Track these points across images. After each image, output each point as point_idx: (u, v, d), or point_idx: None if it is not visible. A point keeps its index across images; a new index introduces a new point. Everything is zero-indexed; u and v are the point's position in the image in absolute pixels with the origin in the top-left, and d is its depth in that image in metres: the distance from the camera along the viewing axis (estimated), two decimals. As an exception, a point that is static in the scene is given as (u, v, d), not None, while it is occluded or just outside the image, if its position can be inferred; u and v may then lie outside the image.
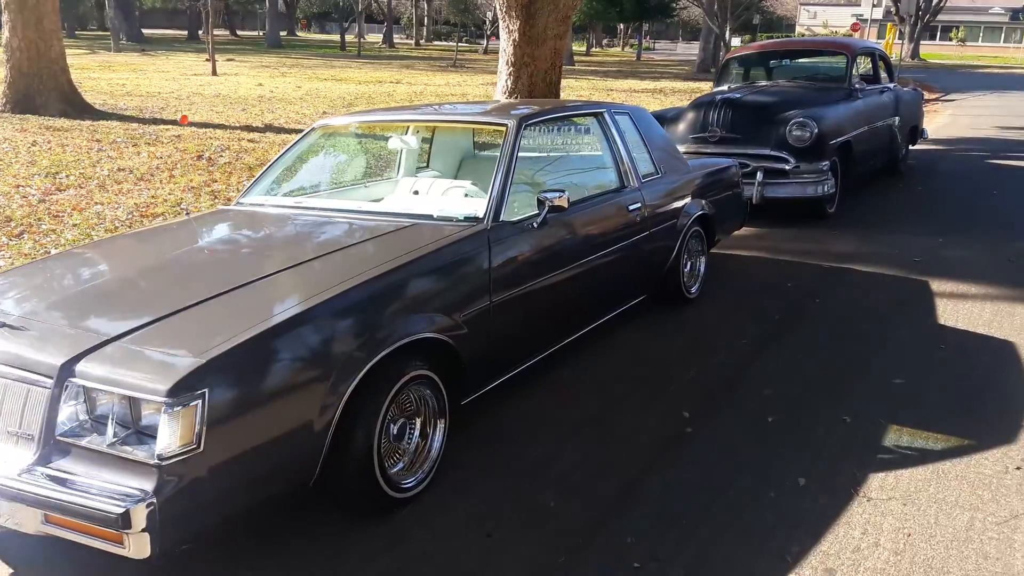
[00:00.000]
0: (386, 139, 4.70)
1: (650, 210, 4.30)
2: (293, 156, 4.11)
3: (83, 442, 2.15)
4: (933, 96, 20.19)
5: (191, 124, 11.30)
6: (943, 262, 5.80)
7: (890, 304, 4.95)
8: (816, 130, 6.59)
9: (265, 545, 2.57)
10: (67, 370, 2.19)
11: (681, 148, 6.17)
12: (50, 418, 2.18)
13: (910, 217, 7.31)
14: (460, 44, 40.06)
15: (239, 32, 56.73)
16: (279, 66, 26.34)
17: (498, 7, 7.98)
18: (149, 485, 2.04)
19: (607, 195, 4.11)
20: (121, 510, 1.98)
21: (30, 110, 11.45)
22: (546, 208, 3.34)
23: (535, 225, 3.37)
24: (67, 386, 2.18)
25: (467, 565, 2.49)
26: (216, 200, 6.84)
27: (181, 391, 2.07)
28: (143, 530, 2.01)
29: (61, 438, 2.17)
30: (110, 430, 2.13)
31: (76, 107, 11.93)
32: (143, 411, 2.12)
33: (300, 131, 4.35)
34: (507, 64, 8.00)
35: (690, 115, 7.19)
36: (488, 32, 40.95)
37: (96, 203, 6.61)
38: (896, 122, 8.58)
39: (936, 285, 5.26)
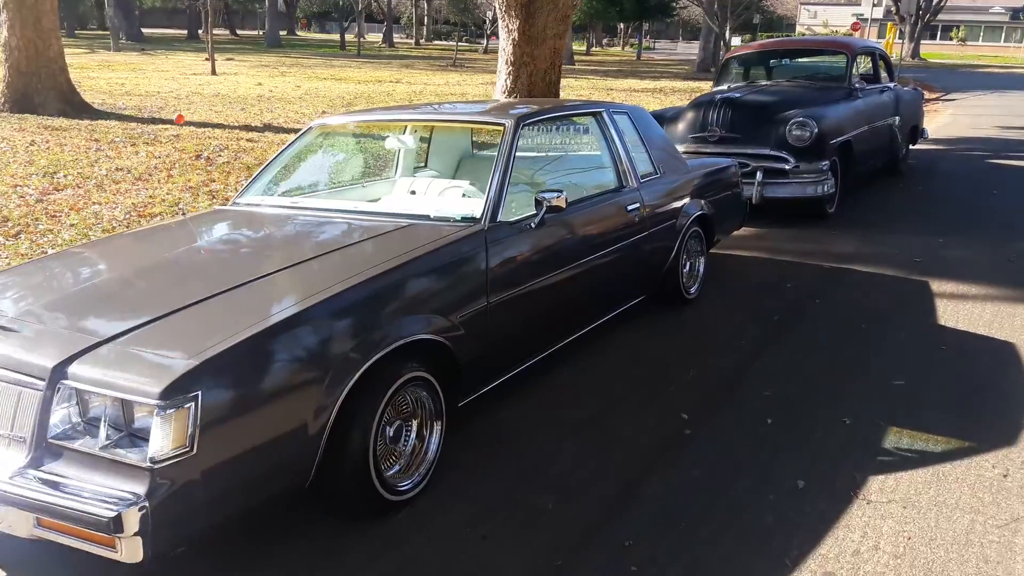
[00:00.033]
0: (383, 139, 4.68)
1: (649, 210, 4.28)
2: (290, 156, 4.09)
3: (75, 445, 2.13)
4: (933, 96, 20.17)
5: (190, 124, 11.28)
6: (943, 262, 5.78)
7: (890, 305, 4.93)
8: (816, 130, 6.57)
9: (258, 547, 2.55)
10: (59, 372, 2.17)
11: (680, 148, 6.15)
12: (42, 420, 2.16)
13: (910, 217, 7.29)
14: (460, 44, 40.03)
15: (239, 31, 56.72)
16: (278, 65, 26.32)
17: (497, 6, 7.96)
18: (141, 488, 2.02)
19: (605, 195, 4.09)
20: (113, 514, 1.96)
21: (28, 109, 11.43)
22: (544, 208, 3.32)
23: (533, 225, 3.34)
24: (59, 388, 2.16)
25: (463, 568, 2.47)
26: (214, 200, 6.82)
27: (174, 393, 2.05)
28: (135, 534, 1.99)
29: (53, 441, 2.15)
30: (102, 433, 2.11)
31: (74, 106, 11.91)
32: (136, 413, 2.10)
33: (299, 131, 4.33)
34: (506, 63, 7.99)
35: (689, 115, 7.17)
36: (488, 32, 40.92)
37: (94, 203, 6.60)
38: (896, 122, 8.56)
39: (936, 285, 5.24)
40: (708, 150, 6.74)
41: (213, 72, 21.58)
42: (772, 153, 6.66)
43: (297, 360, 2.37)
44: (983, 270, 5.57)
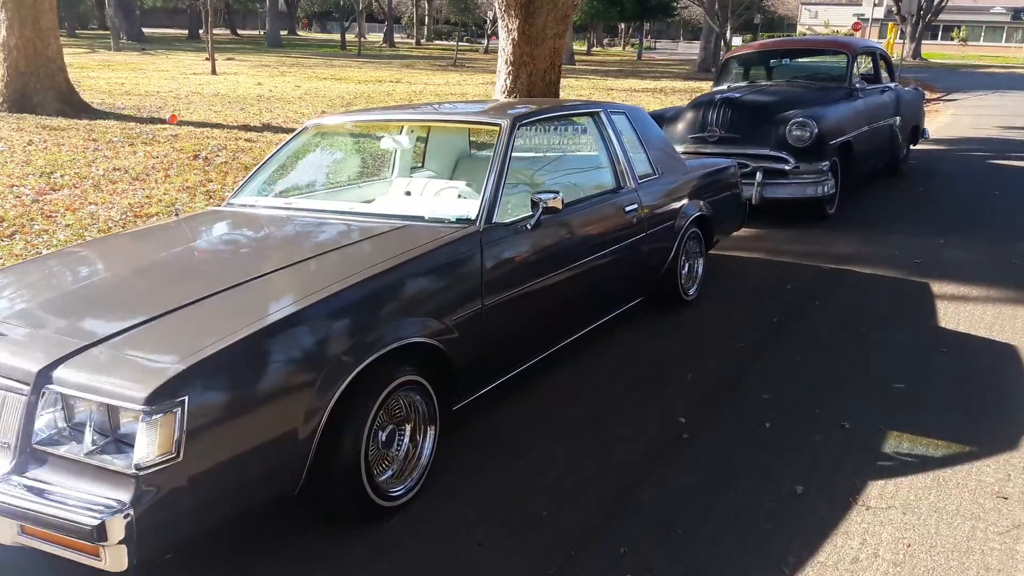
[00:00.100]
0: (379, 139, 4.65)
1: (647, 211, 4.24)
2: (285, 156, 4.05)
3: (60, 451, 2.09)
4: (934, 96, 20.13)
5: (188, 124, 11.25)
6: (944, 263, 5.74)
7: (890, 306, 4.89)
8: (816, 130, 6.53)
9: (247, 554, 2.52)
10: (44, 376, 2.13)
11: (680, 148, 6.12)
12: (27, 426, 2.12)
13: (911, 218, 7.25)
14: (460, 43, 40.01)
15: (239, 31, 56.68)
16: (279, 65, 26.29)
17: (497, 6, 7.93)
18: (126, 496, 1.98)
19: (603, 196, 4.05)
20: (96, 522, 1.92)
21: (27, 109, 11.39)
22: (540, 210, 3.28)
23: (529, 227, 3.30)
24: (44, 393, 2.13)
25: (456, 575, 2.43)
26: (211, 200, 6.79)
27: (160, 398, 2.01)
28: (120, 542, 1.95)
29: (38, 446, 2.11)
30: (88, 438, 2.07)
31: (73, 106, 11.87)
32: (121, 419, 2.07)
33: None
34: (506, 63, 7.96)
35: (689, 115, 7.13)
36: (488, 31, 40.91)
37: (90, 203, 6.56)
38: (897, 122, 8.52)
39: (937, 287, 5.20)
40: (708, 150, 6.69)
41: (213, 72, 21.56)
42: (772, 153, 6.62)
43: (287, 364, 2.33)
44: (984, 271, 5.52)
